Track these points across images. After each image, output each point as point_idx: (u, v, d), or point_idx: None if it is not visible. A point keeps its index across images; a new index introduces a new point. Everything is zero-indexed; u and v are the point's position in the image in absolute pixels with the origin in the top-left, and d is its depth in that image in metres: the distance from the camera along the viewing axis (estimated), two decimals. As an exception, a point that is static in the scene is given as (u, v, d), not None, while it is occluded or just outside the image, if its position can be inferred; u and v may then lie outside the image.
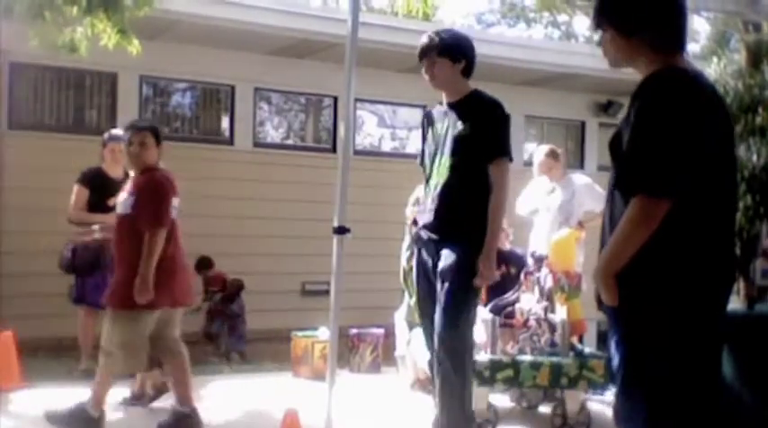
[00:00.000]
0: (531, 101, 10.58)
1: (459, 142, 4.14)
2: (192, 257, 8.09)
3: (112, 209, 6.07)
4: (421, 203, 4.43)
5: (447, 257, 4.10)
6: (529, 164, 7.38)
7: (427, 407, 4.31)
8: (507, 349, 4.92)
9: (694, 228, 2.55)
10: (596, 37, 2.95)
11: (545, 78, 10.24)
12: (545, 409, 5.35)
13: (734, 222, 2.87)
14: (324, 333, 6.26)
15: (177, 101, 9.52)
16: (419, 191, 4.93)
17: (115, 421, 4.97)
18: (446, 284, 4.07)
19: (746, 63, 9.68)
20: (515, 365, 4.81)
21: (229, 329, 7.92)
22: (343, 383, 5.10)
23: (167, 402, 5.39)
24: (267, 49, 8.97)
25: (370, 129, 10.57)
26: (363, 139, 10.36)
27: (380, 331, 7.01)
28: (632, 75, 2.70)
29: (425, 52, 4.22)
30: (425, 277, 4.29)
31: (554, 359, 4.87)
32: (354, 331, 6.97)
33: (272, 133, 9.99)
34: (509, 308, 5.15)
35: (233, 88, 9.30)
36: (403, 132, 10.43)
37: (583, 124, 11.29)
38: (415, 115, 4.34)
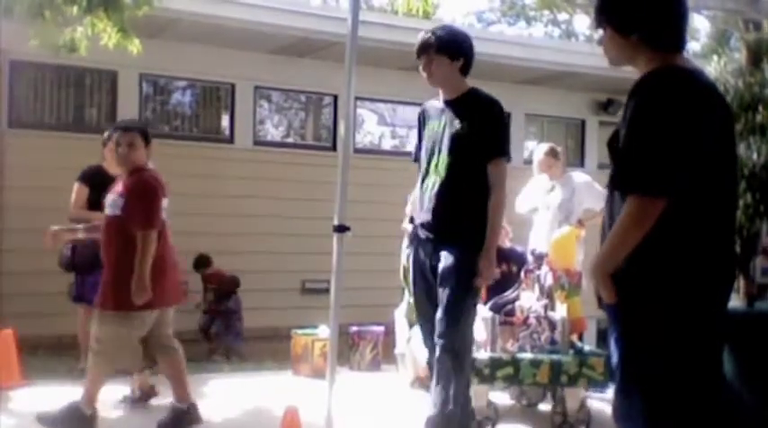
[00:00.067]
0: (531, 99, 10.59)
1: (456, 141, 4.11)
2: (192, 255, 8.12)
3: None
4: (416, 201, 4.39)
5: (446, 258, 4.08)
6: (529, 162, 7.39)
7: (427, 405, 4.29)
8: (507, 347, 4.92)
9: (693, 227, 2.55)
10: (596, 35, 2.95)
11: (545, 77, 10.24)
12: (545, 407, 5.35)
13: (734, 220, 2.87)
14: (324, 331, 6.26)
15: (177, 99, 9.52)
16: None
17: (115, 419, 4.98)
18: (446, 285, 4.05)
19: (747, 61, 9.68)
20: (515, 363, 4.81)
21: (225, 326, 7.94)
22: (343, 381, 5.10)
23: (168, 400, 5.40)
24: (267, 47, 8.97)
25: (371, 128, 10.58)
26: (363, 137, 10.37)
27: (380, 329, 7.02)
28: (632, 73, 2.70)
29: (423, 49, 4.18)
30: (422, 276, 4.28)
31: (554, 356, 4.87)
32: (354, 329, 6.97)
33: (273, 131, 9.99)
34: (509, 306, 5.15)
35: (233, 86, 9.30)
36: (403, 130, 10.44)
37: (583, 122, 11.29)
38: (415, 113, 4.33)
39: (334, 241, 4.25)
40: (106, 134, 6.53)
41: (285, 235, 9.00)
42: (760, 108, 5.89)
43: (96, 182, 6.25)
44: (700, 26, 18.91)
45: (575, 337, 5.18)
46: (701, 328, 2.58)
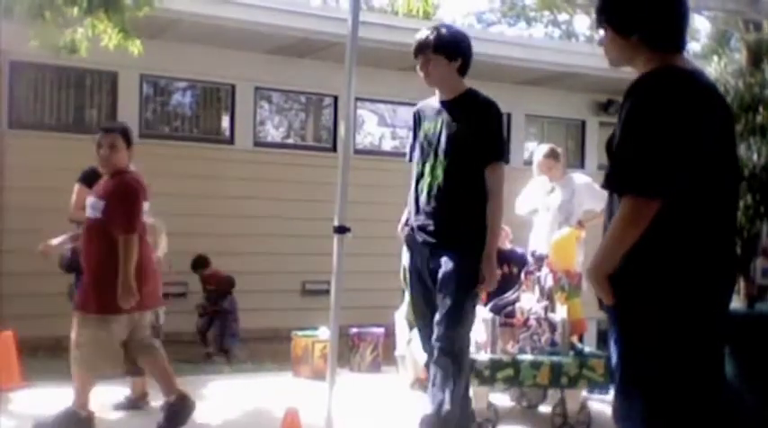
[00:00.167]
0: (531, 100, 10.59)
1: (454, 144, 4.07)
2: (192, 256, 8.13)
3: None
4: (411, 202, 4.31)
5: (446, 263, 4.04)
6: (529, 163, 7.38)
7: (424, 406, 4.28)
8: (507, 348, 4.91)
9: (691, 227, 2.54)
10: (597, 36, 2.95)
11: (545, 77, 10.24)
12: (545, 408, 5.35)
13: (735, 221, 2.86)
14: (324, 332, 6.26)
15: (178, 100, 9.53)
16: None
17: (115, 420, 4.98)
18: (446, 290, 4.02)
19: (747, 62, 9.68)
20: (515, 364, 4.80)
21: (221, 327, 7.93)
22: (343, 382, 5.10)
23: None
24: (267, 48, 8.97)
25: (371, 128, 10.59)
26: (364, 138, 10.37)
27: (381, 330, 7.02)
28: (633, 74, 2.69)
29: (420, 49, 4.14)
30: (420, 280, 4.24)
31: (554, 358, 4.87)
32: (355, 330, 6.97)
33: (273, 132, 10.00)
34: (509, 308, 5.15)
35: (233, 87, 9.31)
36: (403, 131, 10.43)
37: (583, 123, 11.30)
38: (416, 114, 4.38)
39: (334, 242, 4.25)
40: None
41: (285, 236, 9.00)
42: (760, 109, 5.89)
43: (96, 183, 6.25)
44: (700, 27, 18.94)
45: (575, 339, 5.18)
46: (699, 329, 2.57)
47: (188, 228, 8.13)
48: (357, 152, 8.54)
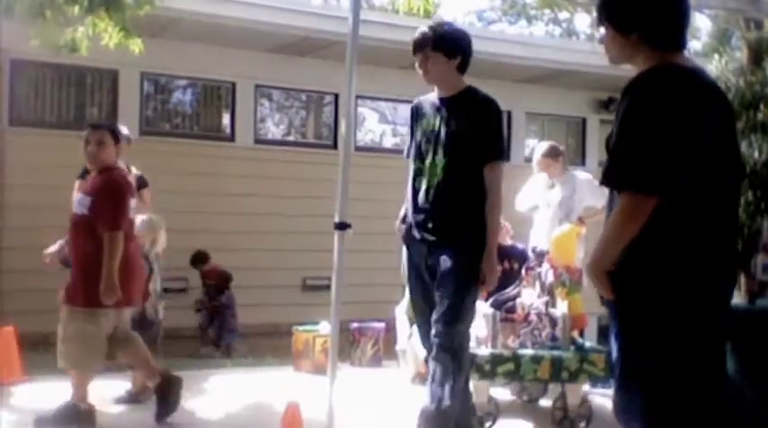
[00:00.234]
0: (532, 98, 10.60)
1: (453, 141, 4.04)
2: (192, 252, 8.16)
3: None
4: (408, 199, 4.27)
5: (445, 261, 4.02)
6: (530, 160, 7.38)
7: (423, 401, 4.29)
8: (508, 343, 4.92)
9: (692, 224, 2.55)
10: (598, 34, 2.96)
11: (546, 75, 10.25)
12: (546, 402, 5.36)
13: (736, 217, 2.87)
14: (325, 327, 6.27)
15: (178, 98, 9.54)
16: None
17: (116, 414, 5.00)
18: (445, 287, 4.01)
19: (748, 60, 9.70)
20: (516, 359, 4.81)
21: (219, 322, 7.94)
22: (344, 377, 5.10)
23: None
24: (268, 46, 8.99)
25: (372, 126, 10.60)
26: (364, 136, 10.38)
27: (381, 325, 7.03)
28: (633, 71, 2.70)
29: (419, 46, 4.11)
30: (418, 277, 4.22)
31: (555, 352, 4.88)
32: (355, 325, 6.99)
33: (273, 130, 10.01)
34: (510, 303, 5.15)
35: (234, 85, 9.32)
36: (404, 128, 10.38)
37: (584, 121, 11.31)
38: (416, 112, 4.41)
39: (335, 238, 4.26)
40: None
41: (286, 232, 9.02)
42: (761, 106, 5.92)
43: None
44: (701, 25, 18.95)
45: (575, 333, 5.19)
46: (698, 325, 2.58)
47: (189, 225, 8.15)
48: (358, 149, 8.56)
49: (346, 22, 4.35)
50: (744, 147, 5.63)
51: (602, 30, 2.79)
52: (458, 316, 4.00)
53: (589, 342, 5.51)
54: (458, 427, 4.03)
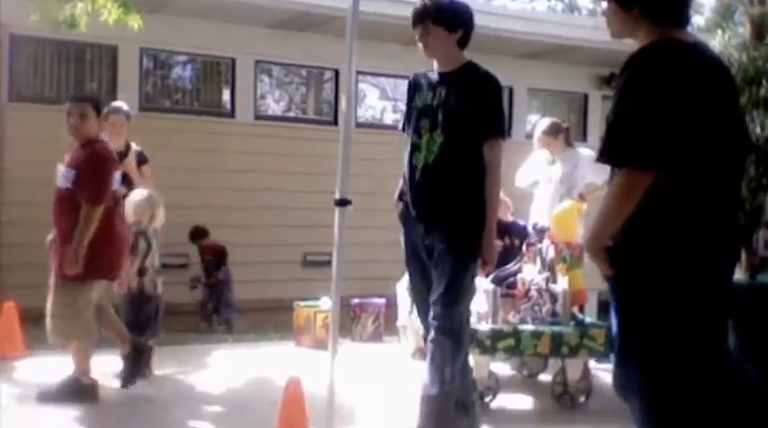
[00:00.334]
0: (533, 73, 10.54)
1: (452, 117, 3.95)
2: (191, 228, 8.17)
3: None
4: (405, 176, 4.17)
5: (442, 240, 3.95)
6: (531, 136, 7.36)
7: (422, 383, 4.29)
8: (509, 318, 4.93)
9: (694, 199, 2.55)
10: (600, 9, 2.94)
11: (548, 51, 10.19)
12: (546, 377, 5.39)
13: (738, 193, 2.86)
14: (326, 303, 6.29)
15: (178, 73, 9.49)
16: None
17: (118, 389, 5.01)
18: (443, 267, 3.94)
19: (750, 36, 9.61)
20: (516, 334, 4.83)
21: (216, 297, 7.95)
22: (345, 352, 5.12)
23: (167, 371, 5.45)
24: (268, 21, 8.92)
25: (372, 102, 10.55)
26: (365, 112, 10.34)
27: (382, 301, 7.05)
28: (636, 47, 2.68)
29: (420, 19, 4.02)
30: (416, 256, 4.14)
31: (555, 328, 4.89)
32: (356, 301, 7.00)
33: (274, 106, 9.97)
34: (511, 279, 5.17)
35: (234, 61, 9.26)
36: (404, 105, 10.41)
37: (585, 97, 11.26)
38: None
39: (335, 214, 4.25)
40: (106, 108, 6.53)
41: (286, 208, 9.01)
42: (764, 82, 5.89)
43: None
44: (704, 0, 18.82)
45: (576, 309, 5.20)
46: (698, 300, 2.58)
47: (189, 201, 8.14)
48: (358, 125, 8.51)
49: (347, -3, 4.30)
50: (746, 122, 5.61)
51: (605, 4, 2.76)
52: (456, 298, 3.94)
53: (589, 317, 5.53)
54: (457, 402, 4.03)
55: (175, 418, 4.49)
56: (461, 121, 3.95)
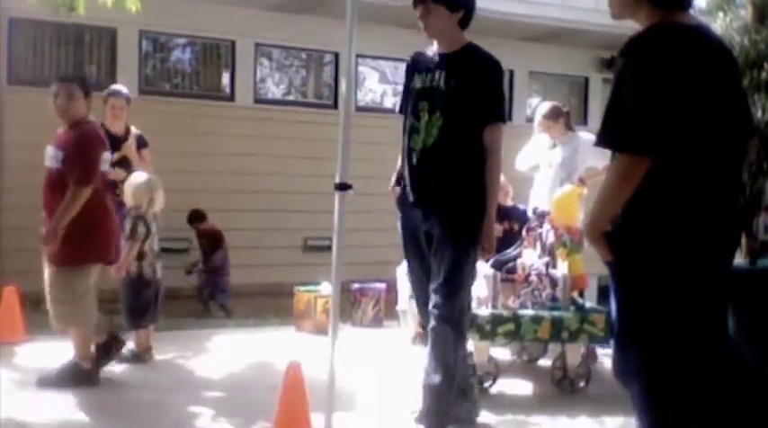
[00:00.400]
0: (534, 56, 10.50)
1: (452, 100, 3.90)
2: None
3: (114, 164, 6.06)
4: (403, 159, 4.13)
5: (441, 226, 3.92)
6: (531, 120, 7.33)
7: (425, 372, 4.30)
8: (509, 303, 4.93)
9: (693, 182, 2.54)
10: (601, -9, 2.92)
11: (549, 34, 10.15)
12: (545, 362, 5.39)
13: (740, 176, 2.85)
14: (326, 287, 6.29)
15: (177, 56, 9.45)
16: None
17: (119, 373, 5.03)
18: (442, 255, 3.91)
19: (752, 19, 9.56)
20: (516, 319, 4.83)
21: (211, 281, 7.95)
22: (345, 337, 5.13)
23: (167, 356, 5.46)
24: (268, 4, 8.88)
25: (372, 86, 10.51)
26: (365, 95, 10.31)
27: (382, 286, 7.05)
28: (637, 29, 2.67)
29: None
30: (414, 242, 4.10)
31: (555, 313, 4.89)
32: (357, 286, 7.00)
33: (273, 89, 9.94)
34: (511, 264, 5.16)
35: (233, 44, 9.23)
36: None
37: (586, 80, 11.22)
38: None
39: (335, 199, 4.24)
40: (106, 91, 6.51)
41: (286, 193, 9.00)
42: (765, 65, 5.87)
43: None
44: (705, -17, 18.68)
45: (576, 294, 5.20)
46: (697, 283, 2.58)
47: (189, 185, 8.13)
48: (358, 109, 8.49)
49: (347, -21, 4.26)
50: (747, 106, 5.59)
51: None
52: (457, 287, 3.92)
53: (589, 302, 5.52)
54: (456, 387, 4.03)
55: (175, 403, 4.50)
56: (462, 104, 3.90)
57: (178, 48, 9.39)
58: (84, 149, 4.60)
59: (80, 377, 4.65)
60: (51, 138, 5.41)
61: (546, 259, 5.09)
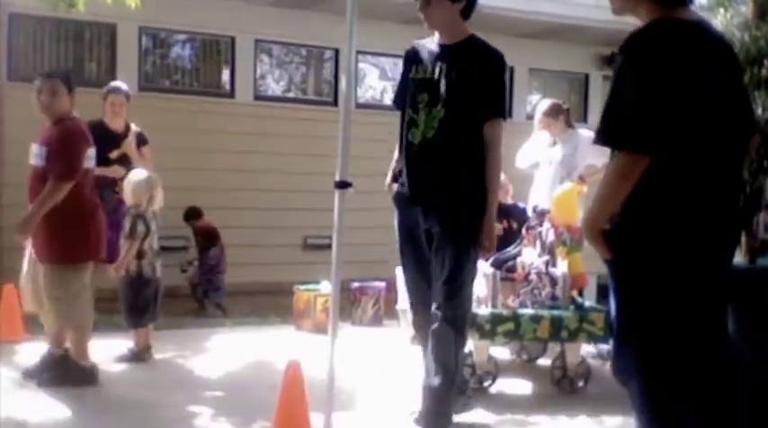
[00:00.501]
0: (534, 53, 10.48)
1: (452, 93, 3.83)
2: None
3: (113, 162, 6.06)
4: (401, 154, 4.06)
5: (441, 224, 3.88)
6: (531, 117, 7.33)
7: (426, 372, 4.29)
8: (508, 302, 4.92)
9: (693, 179, 2.54)
10: (602, -14, 2.91)
11: (549, 30, 10.13)
12: (545, 362, 5.39)
13: (740, 174, 2.84)
14: (326, 286, 6.28)
15: (177, 53, 9.43)
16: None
17: (118, 372, 5.03)
18: (443, 254, 3.87)
19: (753, 15, 9.52)
20: (516, 318, 4.82)
21: (205, 279, 7.94)
22: (345, 336, 5.12)
23: (166, 354, 5.46)
24: (268, 0, 8.86)
25: (372, 82, 10.49)
26: (365, 92, 10.29)
27: (382, 284, 7.04)
28: (637, 26, 2.66)
29: None
30: (411, 240, 4.06)
31: (555, 312, 4.88)
32: (356, 284, 6.99)
33: (273, 86, 9.92)
34: (510, 262, 5.15)
35: (233, 40, 9.21)
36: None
37: (586, 77, 11.21)
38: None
39: (335, 197, 4.22)
40: (105, 88, 6.50)
41: (286, 190, 8.99)
42: (765, 62, 5.84)
43: (98, 136, 6.21)
44: (706, -21, 18.63)
45: (575, 293, 5.19)
46: (696, 281, 2.58)
47: (188, 183, 8.12)
48: (358, 106, 8.48)
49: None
50: (747, 104, 5.57)
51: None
52: (459, 288, 3.89)
53: (588, 301, 5.52)
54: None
55: (175, 402, 4.49)
56: (462, 97, 3.84)
57: (178, 44, 9.37)
58: (67, 145, 4.58)
59: (78, 374, 4.64)
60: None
61: (546, 257, 5.08)
